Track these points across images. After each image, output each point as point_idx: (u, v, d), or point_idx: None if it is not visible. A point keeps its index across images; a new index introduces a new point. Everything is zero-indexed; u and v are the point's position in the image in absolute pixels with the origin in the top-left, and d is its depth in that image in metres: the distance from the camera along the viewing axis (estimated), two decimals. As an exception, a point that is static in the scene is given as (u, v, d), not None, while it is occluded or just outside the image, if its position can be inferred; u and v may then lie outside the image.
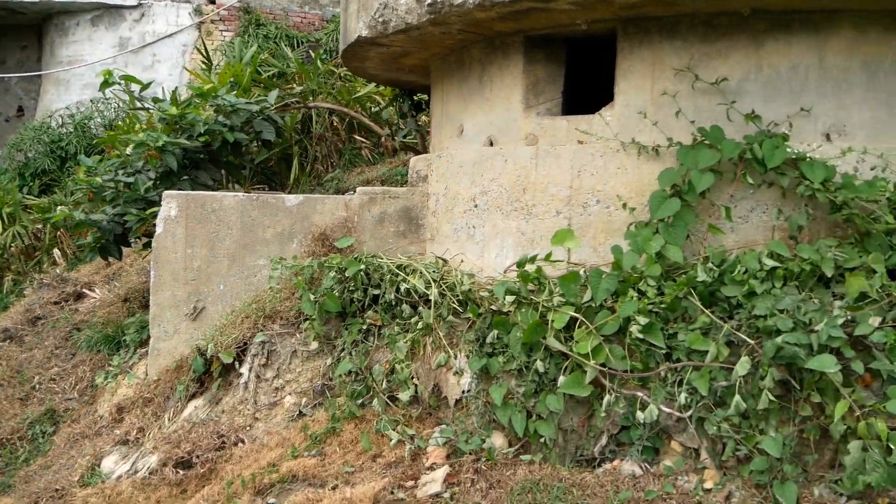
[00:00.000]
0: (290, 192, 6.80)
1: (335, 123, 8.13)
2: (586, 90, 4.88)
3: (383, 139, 7.55)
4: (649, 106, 4.00)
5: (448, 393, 4.01)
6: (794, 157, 3.62)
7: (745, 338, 3.32)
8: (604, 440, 3.60)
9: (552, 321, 3.64)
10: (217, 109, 5.87)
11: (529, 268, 3.86)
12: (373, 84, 7.68)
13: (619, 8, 3.85)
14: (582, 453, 3.64)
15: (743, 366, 3.23)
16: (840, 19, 3.80)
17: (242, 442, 4.28)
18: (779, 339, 3.15)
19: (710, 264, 3.59)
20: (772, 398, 3.16)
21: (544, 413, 3.63)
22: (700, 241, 3.80)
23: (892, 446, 2.91)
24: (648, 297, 3.50)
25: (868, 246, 3.46)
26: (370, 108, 7.92)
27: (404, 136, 6.91)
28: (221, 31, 12.16)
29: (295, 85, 8.16)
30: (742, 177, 3.64)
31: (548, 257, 3.77)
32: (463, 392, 3.91)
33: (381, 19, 4.52)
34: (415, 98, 6.86)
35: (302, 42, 12.20)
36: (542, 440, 3.63)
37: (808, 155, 3.62)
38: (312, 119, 7.70)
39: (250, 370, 4.48)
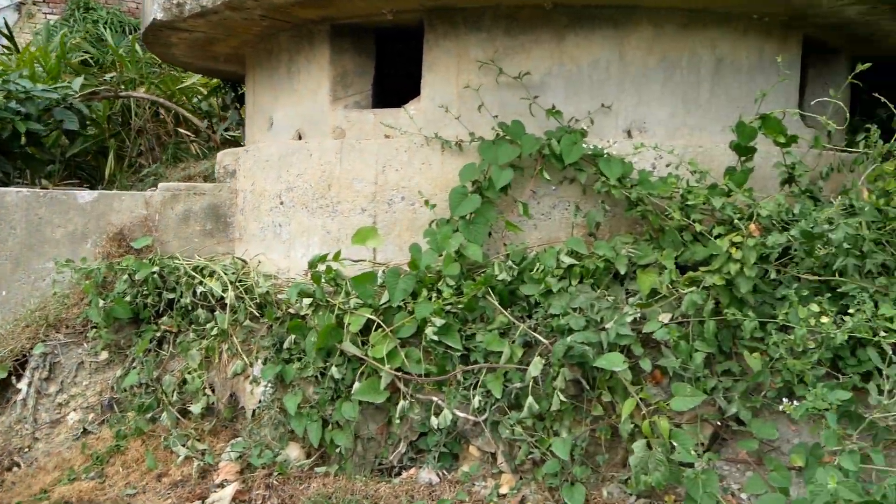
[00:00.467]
0: (104, 188, 6.32)
1: (162, 115, 7.65)
2: (404, 84, 4.72)
3: (210, 132, 7.15)
4: (455, 100, 3.88)
5: (245, 403, 3.75)
6: (591, 153, 3.57)
7: (539, 338, 3.25)
8: (402, 447, 3.45)
9: (348, 324, 3.45)
10: (7, 95, 5.33)
11: (327, 267, 3.65)
12: (201, 75, 7.26)
13: (422, -3, 3.71)
14: (381, 462, 3.48)
15: (536, 366, 3.15)
16: (639, 16, 3.80)
17: (18, 466, 3.87)
18: (569, 339, 3.08)
19: (509, 262, 3.50)
20: (563, 399, 3.09)
21: (341, 421, 3.43)
22: (503, 238, 3.71)
23: (675, 444, 2.89)
24: (444, 297, 3.36)
25: (662, 242, 3.46)
26: (194, 99, 7.48)
27: (225, 129, 6.55)
28: (45, 13, 11.29)
29: (116, 73, 7.61)
30: (539, 173, 3.57)
31: (336, 256, 3.58)
32: (259, 401, 3.66)
33: (175, 1, 4.19)
34: (239, 89, 6.52)
35: (137, 28, 11.50)
36: (338, 450, 3.44)
37: (605, 151, 3.59)
38: (132, 110, 7.20)
39: (29, 385, 4.05)
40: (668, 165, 3.65)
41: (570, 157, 3.52)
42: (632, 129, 3.86)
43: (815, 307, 2.84)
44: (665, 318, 3.23)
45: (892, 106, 3.36)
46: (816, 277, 3.10)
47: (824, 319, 2.81)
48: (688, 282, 3.20)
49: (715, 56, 3.92)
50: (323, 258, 3.58)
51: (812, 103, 4.56)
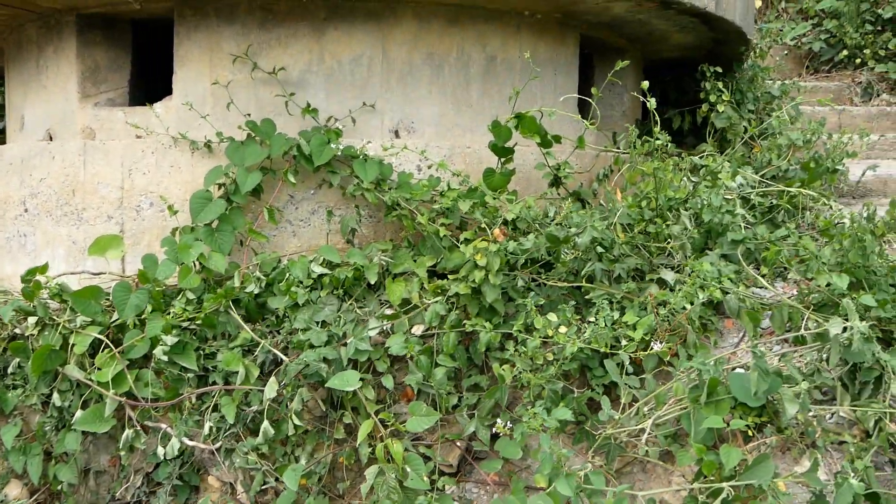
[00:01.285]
0: None
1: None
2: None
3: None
4: (208, 97, 3.58)
5: (-34, 437, 3.31)
6: (346, 154, 3.35)
7: (280, 355, 2.99)
8: (137, 480, 3.12)
9: (72, 345, 3.09)
10: None
11: (53, 282, 3.27)
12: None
13: (161, -16, 3.39)
14: (115, 497, 3.13)
15: (271, 388, 2.89)
16: (402, 9, 3.61)
17: None
18: (304, 356, 2.84)
19: (258, 273, 3.23)
20: (297, 422, 2.85)
21: (66, 455, 3.07)
22: (254, 247, 3.44)
23: (409, 469, 2.69)
24: (177, 312, 3.05)
25: (422, 249, 3.27)
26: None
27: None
28: None
29: None
30: (284, 175, 3.31)
31: (42, 269, 3.21)
32: (-21, 436, 3.24)
33: None
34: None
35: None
36: (62, 486, 3.07)
37: (362, 152, 3.37)
38: None
39: None
40: (430, 167, 3.47)
41: (321, 158, 3.28)
42: (399, 129, 3.66)
43: (553, 317, 2.71)
44: (418, 329, 3.04)
45: (647, 101, 3.27)
46: (566, 284, 2.98)
47: (563, 329, 2.67)
48: (435, 291, 3.02)
49: (486, 54, 3.78)
50: (35, 271, 3.20)
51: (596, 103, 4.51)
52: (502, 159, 3.36)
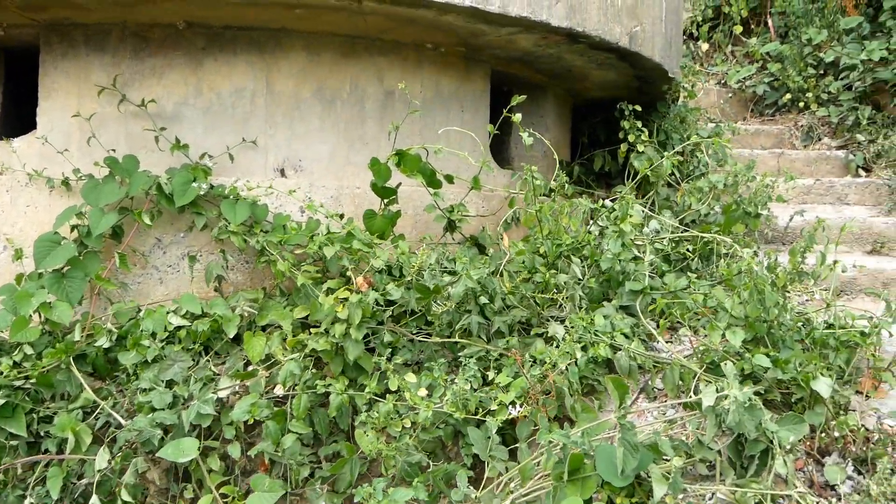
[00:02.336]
0: None
1: None
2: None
3: None
4: (75, 131, 3.27)
5: None
6: (216, 193, 3.04)
7: (120, 419, 2.64)
8: (-43, 562, 2.72)
9: None
10: None
11: None
12: None
13: (18, 8, 3.10)
14: (-67, 582, 2.73)
15: (101, 457, 2.53)
16: (289, 41, 3.34)
17: None
18: (137, 421, 2.49)
19: (110, 325, 2.89)
20: (127, 498, 2.48)
21: None
22: (115, 296, 3.10)
23: (248, 551, 2.33)
24: (3, 370, 2.70)
25: (295, 298, 2.95)
26: None
27: None
28: None
29: None
30: (138, 216, 2.99)
31: None
32: None
33: None
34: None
35: None
36: None
37: (232, 192, 3.06)
38: None
39: None
40: (312, 209, 3.16)
41: (184, 198, 2.97)
42: (286, 167, 3.37)
43: (412, 377, 2.38)
44: (279, 390, 2.70)
45: (524, 136, 3.00)
46: (438, 339, 2.66)
47: (422, 392, 2.35)
48: (294, 346, 2.69)
49: (384, 88, 3.51)
50: None
51: (515, 145, 4.26)
52: (384, 200, 3.06)
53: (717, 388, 2.01)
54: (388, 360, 2.48)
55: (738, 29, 6.74)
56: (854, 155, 5.07)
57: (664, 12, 3.95)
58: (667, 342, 2.68)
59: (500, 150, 4.34)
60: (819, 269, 2.82)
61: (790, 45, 5.94)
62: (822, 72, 5.81)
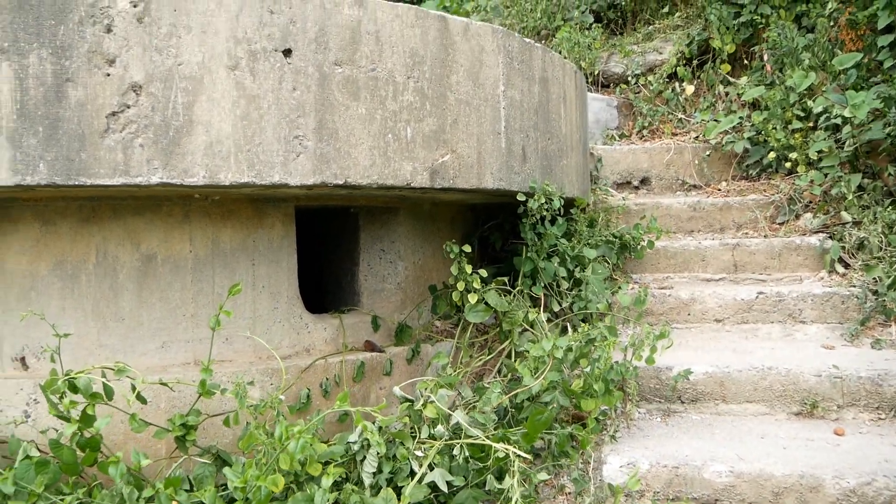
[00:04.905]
0: None
1: None
2: None
3: None
4: None
5: None
6: None
7: None
8: None
9: None
10: None
11: None
12: None
13: None
14: None
15: None
16: (19, 211, 2.90)
17: None
18: None
19: None
20: None
21: None
22: None
23: None
24: None
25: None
26: None
27: None
28: None
29: None
30: None
31: None
32: None
33: None
34: None
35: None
36: None
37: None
38: None
39: None
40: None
41: None
42: (26, 355, 2.93)
43: None
44: None
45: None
46: None
47: None
48: None
49: (141, 253, 3.01)
50: None
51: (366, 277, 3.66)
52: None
53: None
54: None
55: (726, 68, 5.72)
56: (831, 243, 4.09)
57: (503, 123, 3.22)
58: None
59: (344, 285, 3.74)
60: None
61: (776, 89, 4.94)
62: (811, 124, 4.79)
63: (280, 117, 2.64)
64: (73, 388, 2.42)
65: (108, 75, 2.44)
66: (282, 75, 2.64)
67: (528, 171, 3.40)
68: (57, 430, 2.63)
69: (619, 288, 3.61)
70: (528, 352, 3.02)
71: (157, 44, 2.47)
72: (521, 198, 3.33)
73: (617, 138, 6.39)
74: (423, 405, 2.74)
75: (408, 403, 2.79)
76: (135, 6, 2.46)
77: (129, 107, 2.45)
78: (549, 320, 3.58)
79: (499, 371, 3.37)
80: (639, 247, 4.19)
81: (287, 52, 2.66)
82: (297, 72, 2.67)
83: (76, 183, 2.42)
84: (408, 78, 2.90)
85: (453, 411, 2.78)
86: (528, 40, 3.41)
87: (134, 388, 2.51)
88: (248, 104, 2.59)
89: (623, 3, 7.46)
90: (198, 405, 2.72)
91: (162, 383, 2.64)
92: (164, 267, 3.03)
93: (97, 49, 2.42)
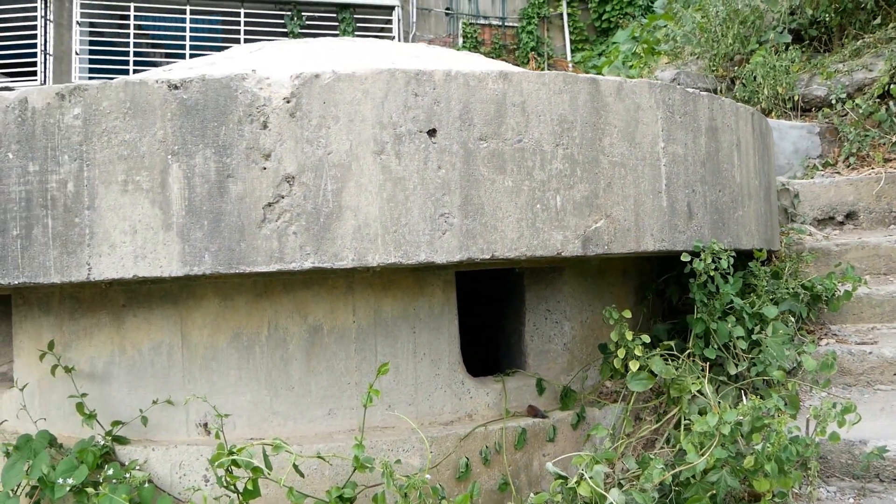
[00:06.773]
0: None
1: None
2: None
3: None
4: (36, 390, 3.41)
5: None
6: (115, 477, 2.95)
7: None
8: None
9: None
10: None
11: None
12: None
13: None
14: None
15: None
16: (202, 289, 3.16)
17: None
18: None
19: None
20: None
21: None
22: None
23: None
24: None
25: None
26: None
27: None
28: None
29: None
30: (17, 516, 2.98)
31: None
32: None
33: None
34: None
35: None
36: None
37: (130, 469, 2.94)
38: None
39: None
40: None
41: (59, 490, 2.91)
42: (209, 422, 3.17)
43: None
44: None
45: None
46: None
47: None
48: None
49: (308, 324, 3.18)
50: None
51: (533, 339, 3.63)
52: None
53: None
54: None
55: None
56: None
57: (664, 181, 3.06)
58: None
59: (511, 344, 3.71)
60: None
61: None
62: None
63: (425, 197, 2.67)
64: (236, 463, 2.58)
65: (265, 169, 2.60)
66: (426, 155, 2.68)
67: (694, 227, 3.21)
68: (229, 497, 2.81)
69: (804, 350, 3.29)
70: (693, 423, 2.83)
71: (307, 136, 2.60)
72: (685, 258, 3.14)
73: (820, 167, 5.90)
74: (576, 482, 2.64)
75: (560, 480, 2.70)
76: (287, 101, 2.61)
77: (283, 197, 2.59)
78: (725, 384, 3.34)
79: (667, 440, 3.19)
80: (834, 298, 3.81)
81: (431, 132, 2.69)
82: (442, 150, 2.69)
83: (237, 271, 2.59)
84: (556, 146, 2.84)
85: (611, 487, 2.66)
86: (690, 90, 3.23)
87: (295, 466, 2.62)
88: (393, 186, 2.65)
89: (828, 19, 6.89)
90: (355, 477, 2.80)
91: (319, 457, 2.74)
92: (330, 337, 3.16)
93: (254, 145, 2.59)
